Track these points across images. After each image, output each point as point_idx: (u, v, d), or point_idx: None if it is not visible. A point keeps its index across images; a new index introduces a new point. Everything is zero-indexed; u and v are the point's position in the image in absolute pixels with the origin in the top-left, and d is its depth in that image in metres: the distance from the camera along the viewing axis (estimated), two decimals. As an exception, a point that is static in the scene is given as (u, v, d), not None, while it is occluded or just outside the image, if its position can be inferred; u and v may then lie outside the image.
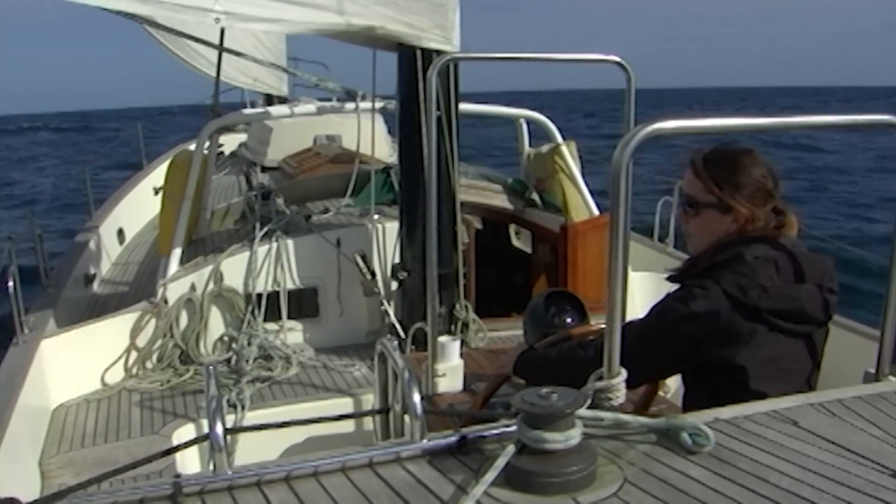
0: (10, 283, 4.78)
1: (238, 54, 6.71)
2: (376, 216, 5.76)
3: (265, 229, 5.58)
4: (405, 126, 4.91)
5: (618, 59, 3.92)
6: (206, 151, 5.90)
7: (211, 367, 2.11)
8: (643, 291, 5.43)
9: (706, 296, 2.35)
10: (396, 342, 2.95)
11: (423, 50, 4.69)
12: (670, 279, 2.59)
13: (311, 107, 6.83)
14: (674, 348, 2.41)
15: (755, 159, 2.53)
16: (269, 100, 14.32)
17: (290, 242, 5.51)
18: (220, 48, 6.36)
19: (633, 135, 1.94)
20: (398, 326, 5.17)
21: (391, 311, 5.30)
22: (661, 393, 3.12)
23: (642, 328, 2.43)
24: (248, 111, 8.81)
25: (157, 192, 9.54)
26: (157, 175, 9.65)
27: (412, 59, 4.71)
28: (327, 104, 6.64)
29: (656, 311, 2.45)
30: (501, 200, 6.65)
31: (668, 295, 2.47)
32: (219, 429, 1.86)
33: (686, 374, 2.56)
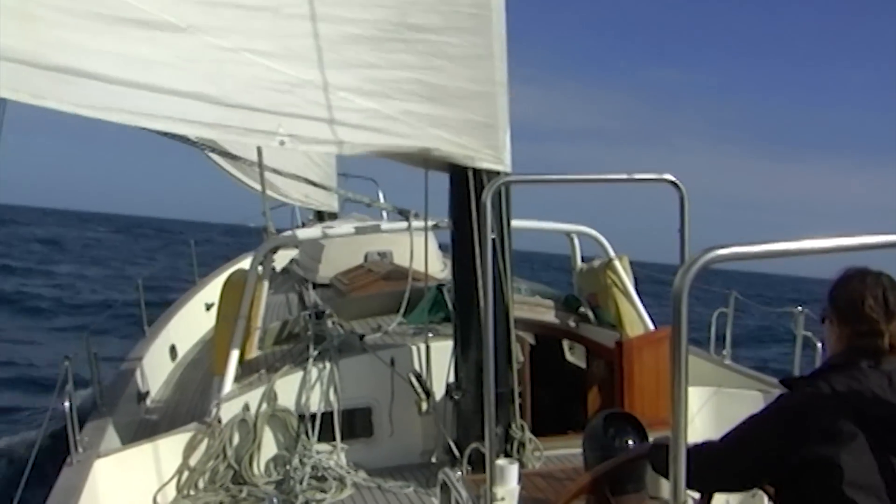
0: (66, 403, 4.82)
1: (281, 173, 6.84)
2: (430, 335, 5.74)
3: (319, 349, 5.58)
4: (459, 246, 4.94)
5: (671, 178, 3.95)
6: (260, 271, 5.97)
7: (275, 500, 2.09)
8: (701, 407, 5.33)
9: (815, 393, 2.37)
10: (455, 468, 2.92)
11: (475, 170, 4.76)
12: (783, 382, 2.63)
13: (362, 225, 6.91)
14: (778, 443, 2.39)
15: (866, 281, 2.55)
16: (320, 215, 14.51)
17: (343, 362, 5.50)
18: (260, 166, 6.50)
19: (692, 261, 1.93)
20: (453, 447, 5.10)
21: (446, 432, 5.23)
22: None
23: (751, 419, 2.46)
24: (301, 232, 8.92)
25: (208, 309, 9.63)
26: (209, 291, 9.76)
27: (464, 179, 4.77)
28: (379, 223, 6.72)
29: (768, 406, 2.48)
30: (554, 316, 6.61)
31: (781, 395, 2.49)
32: None
33: (780, 480, 2.52)
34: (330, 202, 13.21)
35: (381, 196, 11.31)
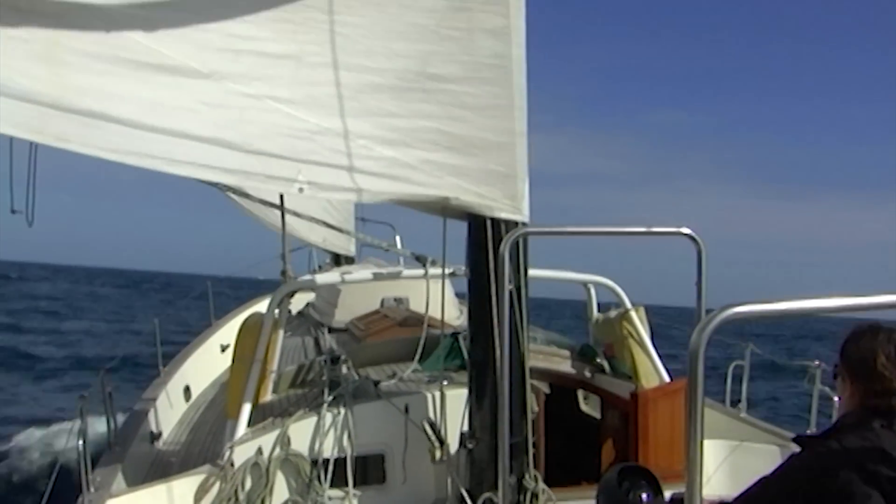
0: (80, 442, 4.84)
1: (301, 216, 6.89)
2: (445, 382, 5.73)
3: (333, 394, 5.58)
4: (475, 294, 4.94)
5: (689, 232, 3.96)
6: (276, 315, 5.99)
7: None
8: (717, 460, 5.28)
9: (828, 453, 2.36)
10: None
11: (494, 219, 4.78)
12: (797, 440, 2.61)
13: (377, 270, 6.94)
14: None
15: (878, 338, 2.54)
16: (337, 259, 14.57)
17: (357, 408, 5.49)
18: (282, 211, 6.56)
19: (710, 320, 1.95)
20: (466, 496, 5.06)
21: (459, 481, 5.19)
22: None
23: (764, 480, 2.47)
24: (318, 277, 8.98)
25: (223, 350, 9.65)
26: (225, 332, 9.79)
27: (482, 228, 4.79)
28: (396, 270, 6.74)
29: (780, 466, 2.46)
30: (570, 366, 6.59)
31: (793, 454, 2.48)
32: None
33: None
34: (347, 246, 13.29)
35: (398, 241, 11.36)
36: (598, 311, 7.11)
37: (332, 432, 5.43)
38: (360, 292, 9.66)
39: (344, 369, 6.09)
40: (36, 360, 25.80)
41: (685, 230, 4.04)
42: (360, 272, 7.18)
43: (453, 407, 5.51)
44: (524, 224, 4.79)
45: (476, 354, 5.14)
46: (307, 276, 8.09)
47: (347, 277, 7.48)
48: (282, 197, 6.05)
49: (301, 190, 4.16)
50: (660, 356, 6.53)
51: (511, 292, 4.47)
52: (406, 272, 6.62)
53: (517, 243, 4.75)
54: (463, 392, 5.37)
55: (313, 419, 5.43)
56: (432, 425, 5.39)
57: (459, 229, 5.11)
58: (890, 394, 2.45)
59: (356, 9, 4.31)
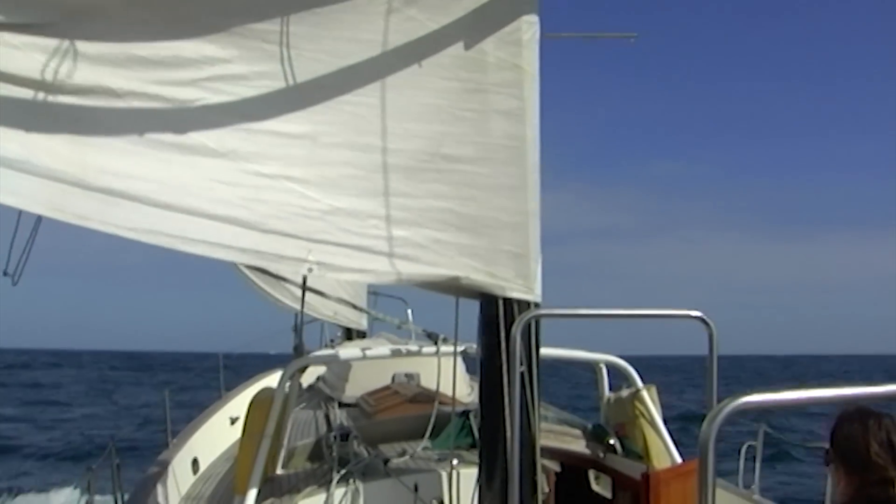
0: None
1: (323, 295, 6.94)
2: (455, 461, 5.69)
3: (343, 472, 5.55)
4: (487, 373, 4.93)
5: (700, 314, 3.96)
6: (287, 389, 5.99)
7: None
8: None
9: None
10: None
11: (506, 299, 4.79)
12: None
13: (390, 348, 6.95)
14: None
15: (868, 424, 2.51)
16: (349, 333, 14.57)
17: (367, 486, 5.45)
18: (304, 288, 6.61)
19: (720, 409, 1.96)
20: (474, 578, 5.00)
21: None
22: None
23: None
24: (329, 352, 9.00)
25: (233, 423, 9.61)
26: (235, 405, 9.76)
27: (494, 308, 4.79)
28: (407, 346, 6.75)
29: None
30: (581, 446, 6.54)
31: None
32: None
33: None
34: (359, 320, 13.29)
35: (410, 315, 11.38)
36: (610, 390, 7.08)
37: None
38: (370, 367, 9.65)
39: (354, 445, 6.07)
40: (36, 447, 25.93)
41: (695, 313, 4.05)
42: (372, 348, 7.19)
43: (464, 486, 5.47)
44: (536, 304, 4.79)
45: (487, 433, 5.11)
46: (320, 352, 8.10)
47: (355, 354, 7.49)
48: (305, 277, 6.10)
49: (311, 270, 4.20)
50: (672, 437, 6.48)
51: (522, 374, 4.47)
52: (417, 349, 6.63)
53: (529, 325, 4.75)
54: (473, 471, 5.33)
55: (322, 496, 5.39)
56: None
57: (472, 304, 5.13)
58: (887, 483, 2.42)
59: (371, 90, 4.39)
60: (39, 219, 3.74)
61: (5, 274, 3.84)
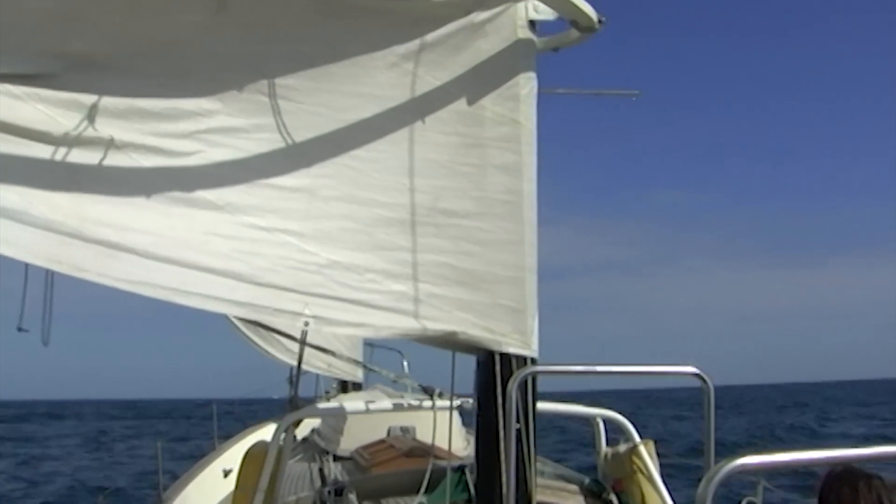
0: None
1: (323, 350, 6.91)
2: None
3: None
4: (483, 429, 4.90)
5: (695, 370, 3.94)
6: (282, 443, 5.93)
7: None
8: None
9: None
10: None
11: (502, 354, 4.77)
12: None
13: (386, 402, 6.92)
14: None
15: (858, 488, 2.48)
16: (344, 385, 14.51)
17: None
18: (303, 343, 6.57)
19: (717, 471, 1.95)
20: None
21: None
22: None
23: None
24: (325, 406, 8.95)
25: (226, 476, 9.53)
26: (228, 457, 9.67)
27: (490, 363, 4.77)
28: (403, 400, 6.72)
29: None
30: (578, 501, 6.47)
31: None
32: None
33: None
34: (354, 372, 13.26)
35: (405, 366, 11.35)
36: (607, 445, 7.02)
37: None
38: (366, 420, 9.59)
39: (349, 501, 6.00)
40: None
41: (691, 368, 4.04)
42: (367, 402, 7.14)
43: None
44: (534, 360, 4.78)
45: (483, 489, 5.06)
46: (315, 405, 8.06)
47: (350, 407, 7.45)
48: (304, 332, 6.08)
49: (307, 324, 4.18)
50: (669, 491, 6.42)
51: (519, 431, 4.44)
52: (413, 403, 6.59)
53: (525, 381, 4.73)
54: None
55: None
56: None
57: (470, 356, 5.10)
58: None
59: (370, 144, 4.41)
60: (51, 273, 3.72)
61: (20, 329, 3.82)
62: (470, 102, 4.65)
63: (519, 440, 4.42)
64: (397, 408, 6.84)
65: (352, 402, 8.80)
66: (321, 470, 8.53)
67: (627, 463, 6.53)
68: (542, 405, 5.44)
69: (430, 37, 4.53)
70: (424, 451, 6.96)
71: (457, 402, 5.88)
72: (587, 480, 6.81)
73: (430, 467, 6.16)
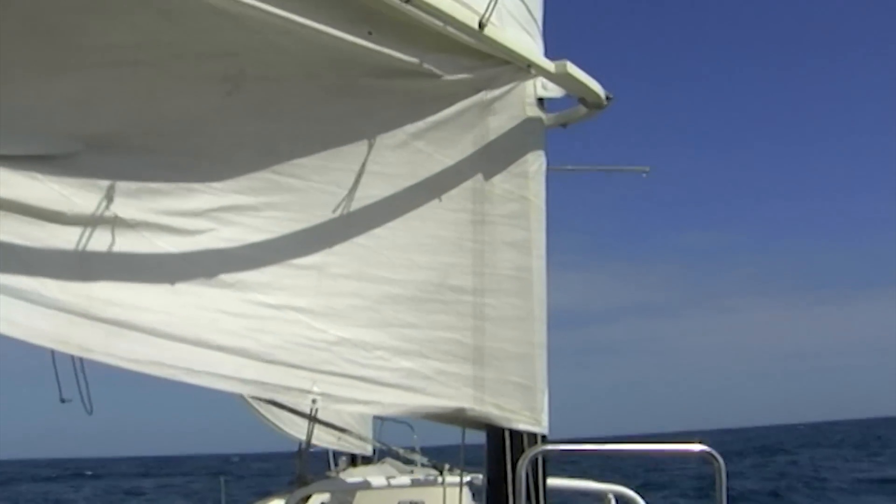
0: None
1: (332, 427, 6.89)
2: None
3: None
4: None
5: (705, 449, 3.90)
6: None
7: None
8: None
9: None
10: None
11: (512, 431, 4.73)
12: None
13: (396, 477, 6.87)
14: None
15: None
16: (353, 458, 14.41)
17: None
18: (312, 419, 6.56)
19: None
20: None
21: None
22: None
23: None
24: (333, 481, 8.90)
25: None
26: None
27: (500, 439, 4.74)
28: (413, 476, 6.67)
29: None
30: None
31: None
32: None
33: None
34: (364, 446, 13.17)
35: (415, 439, 11.28)
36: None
37: None
38: (375, 494, 9.48)
39: None
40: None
41: (700, 447, 4.00)
42: (377, 476, 7.08)
43: None
44: (544, 437, 4.74)
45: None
46: (324, 480, 8.00)
47: (363, 482, 7.39)
48: (315, 410, 6.07)
49: (314, 401, 4.16)
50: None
51: None
52: (422, 479, 6.53)
53: (535, 459, 4.69)
54: None
55: None
56: None
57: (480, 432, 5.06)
58: None
59: (379, 222, 4.44)
60: None
61: (62, 401, 3.81)
62: (479, 180, 4.69)
63: None
64: (406, 483, 6.78)
65: (361, 476, 8.72)
66: None
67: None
68: (552, 481, 5.38)
69: (440, 115, 4.59)
70: None
71: (467, 478, 5.83)
72: None
73: None
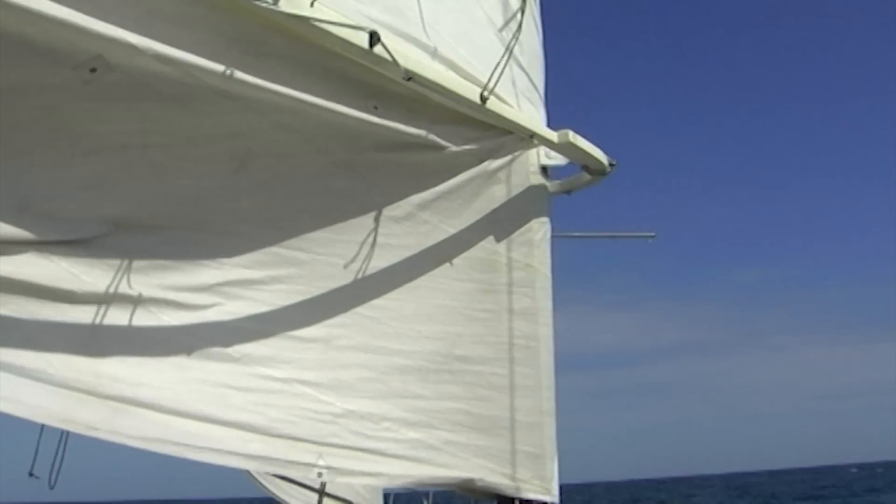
0: None
1: (340, 500, 6.87)
2: None
3: None
4: None
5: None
6: None
7: None
8: None
9: None
10: None
11: (522, 500, 4.71)
12: None
13: None
14: None
15: None
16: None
17: None
18: (321, 493, 6.55)
19: None
20: None
21: None
22: None
23: None
24: None
25: None
26: None
27: None
28: None
29: None
30: None
31: None
32: None
33: None
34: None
35: None
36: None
37: None
38: None
39: None
40: None
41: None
42: None
43: None
44: None
45: None
46: None
47: None
48: (323, 484, 6.07)
49: (320, 475, 4.15)
50: None
51: None
52: None
53: None
54: None
55: None
56: None
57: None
58: None
59: (385, 294, 4.46)
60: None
61: (30, 475, 3.83)
62: (484, 249, 4.72)
63: None
64: None
65: None
66: None
67: None
68: None
69: (445, 186, 4.63)
70: None
71: None
72: None
73: None
